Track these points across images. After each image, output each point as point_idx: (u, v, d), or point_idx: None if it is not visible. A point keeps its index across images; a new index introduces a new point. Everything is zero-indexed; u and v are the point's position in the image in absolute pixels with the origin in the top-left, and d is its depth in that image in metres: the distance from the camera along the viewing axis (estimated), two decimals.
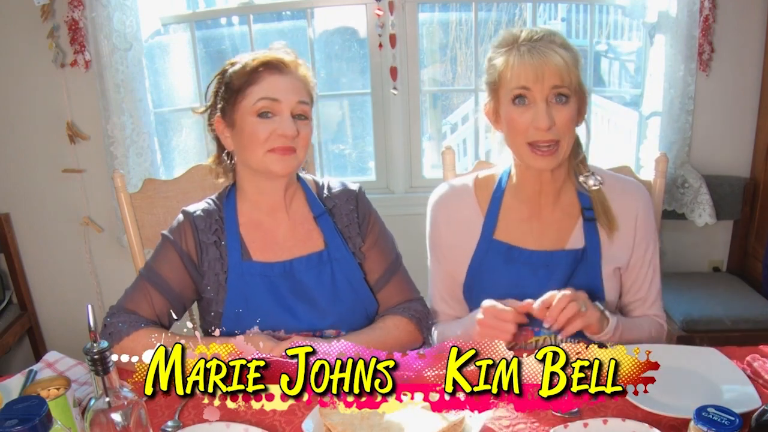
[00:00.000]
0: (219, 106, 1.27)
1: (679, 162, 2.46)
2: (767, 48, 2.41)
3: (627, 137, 2.77)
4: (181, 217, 1.32)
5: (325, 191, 1.36)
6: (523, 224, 1.32)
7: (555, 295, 1.15)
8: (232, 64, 1.26)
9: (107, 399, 0.77)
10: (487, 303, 1.20)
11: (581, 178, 1.31)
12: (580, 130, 1.29)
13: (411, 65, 2.53)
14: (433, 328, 1.43)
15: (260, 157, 1.22)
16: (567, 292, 1.16)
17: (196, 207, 1.33)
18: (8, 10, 2.39)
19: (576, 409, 1.03)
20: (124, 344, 1.18)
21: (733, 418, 0.82)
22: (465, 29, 2.73)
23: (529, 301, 1.18)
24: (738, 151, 2.55)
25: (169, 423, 1.04)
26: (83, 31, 2.34)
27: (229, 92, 1.24)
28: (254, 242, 1.30)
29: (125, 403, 0.79)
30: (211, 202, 1.34)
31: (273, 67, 1.22)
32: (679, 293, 2.34)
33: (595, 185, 1.30)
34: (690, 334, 2.19)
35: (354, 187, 1.38)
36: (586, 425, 0.96)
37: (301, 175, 1.38)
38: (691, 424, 0.84)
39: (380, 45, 2.45)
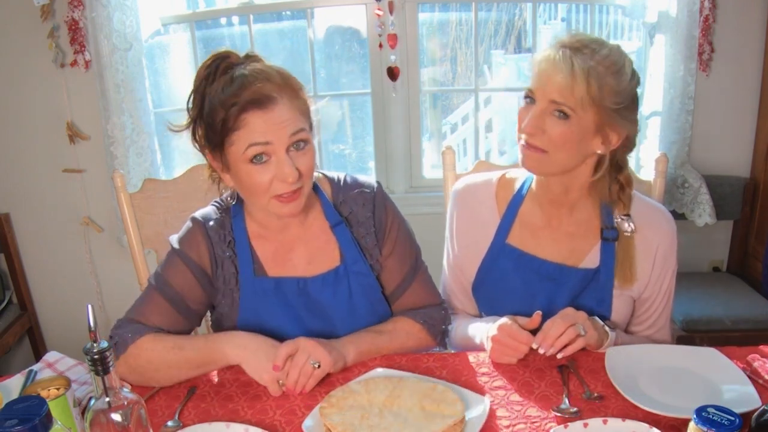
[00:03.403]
0: (205, 142, 1.15)
1: (679, 162, 2.46)
2: (767, 48, 2.41)
3: None
4: (191, 224, 1.24)
5: (341, 195, 1.27)
6: (537, 232, 1.30)
7: (550, 326, 1.13)
8: (206, 69, 1.11)
9: (107, 399, 0.77)
10: (503, 321, 1.18)
11: (616, 219, 1.25)
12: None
13: (411, 65, 2.53)
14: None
15: (265, 204, 1.14)
16: (568, 311, 1.16)
17: (206, 214, 1.25)
18: (8, 10, 2.39)
19: (576, 409, 1.03)
20: (130, 352, 1.14)
21: (733, 418, 0.82)
22: (465, 29, 2.73)
23: (538, 313, 1.17)
24: (738, 151, 2.55)
25: (169, 423, 1.04)
26: (83, 31, 2.34)
27: (214, 134, 1.11)
28: (267, 256, 1.24)
29: (125, 403, 0.78)
30: (218, 206, 1.27)
31: (254, 104, 1.07)
32: (679, 293, 2.31)
33: (627, 232, 1.24)
34: (690, 334, 2.19)
35: (371, 188, 1.28)
36: (586, 425, 0.96)
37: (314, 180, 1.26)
38: (691, 424, 0.84)
39: (380, 45, 2.45)
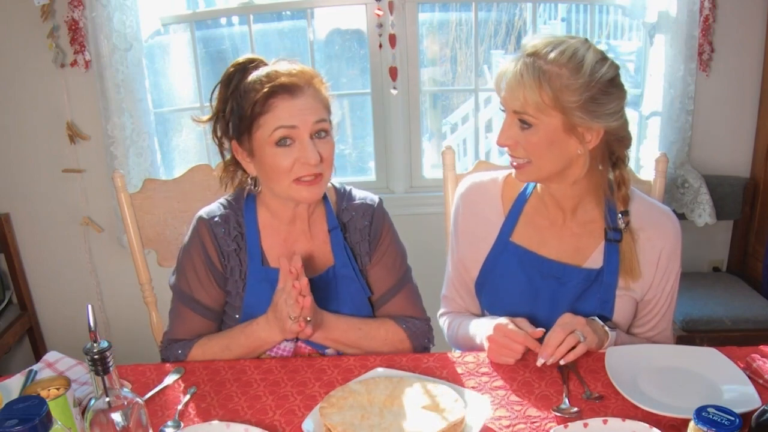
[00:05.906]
0: (232, 132, 1.23)
1: (679, 162, 2.46)
2: (767, 48, 2.41)
3: None
4: (196, 224, 1.29)
5: (345, 203, 1.34)
6: (542, 231, 1.31)
7: (549, 336, 1.14)
8: (235, 67, 1.22)
9: (107, 399, 0.77)
10: (500, 321, 1.19)
11: (619, 219, 1.25)
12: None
13: (411, 65, 2.53)
14: (444, 318, 1.44)
15: (286, 187, 1.20)
16: (566, 319, 1.16)
17: (211, 211, 1.29)
18: (8, 10, 2.39)
19: (576, 409, 1.03)
20: (189, 359, 1.27)
21: (733, 418, 0.82)
22: (465, 29, 2.73)
23: (541, 329, 1.17)
24: (738, 151, 2.55)
25: (169, 423, 1.04)
26: (83, 31, 2.34)
27: (242, 121, 1.19)
28: (272, 249, 1.29)
29: (125, 403, 0.79)
30: (226, 203, 1.31)
31: (284, 90, 1.16)
32: (679, 293, 2.33)
33: (624, 228, 1.25)
34: (690, 334, 2.19)
35: (373, 201, 1.35)
36: (586, 425, 0.96)
37: None
38: (691, 424, 0.84)
39: (380, 45, 2.45)
